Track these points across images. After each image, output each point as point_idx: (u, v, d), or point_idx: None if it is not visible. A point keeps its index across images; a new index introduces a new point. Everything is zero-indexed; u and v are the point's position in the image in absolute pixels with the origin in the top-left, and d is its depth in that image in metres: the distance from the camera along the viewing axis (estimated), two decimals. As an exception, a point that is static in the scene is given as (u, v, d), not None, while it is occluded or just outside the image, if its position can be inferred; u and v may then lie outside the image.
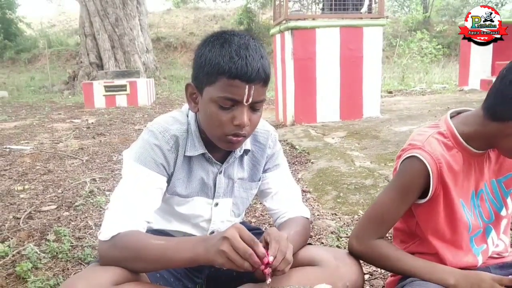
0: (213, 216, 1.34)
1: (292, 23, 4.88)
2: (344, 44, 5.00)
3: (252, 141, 1.35)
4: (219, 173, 1.30)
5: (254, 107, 1.13)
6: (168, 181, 1.26)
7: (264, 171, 1.40)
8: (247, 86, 1.07)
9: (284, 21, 5.06)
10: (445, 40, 15.69)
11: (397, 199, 1.19)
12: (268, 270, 1.01)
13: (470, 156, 1.17)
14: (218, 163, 1.29)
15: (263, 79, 1.10)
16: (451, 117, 1.20)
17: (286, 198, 1.41)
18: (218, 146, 1.20)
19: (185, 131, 1.25)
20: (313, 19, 5.11)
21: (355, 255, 1.26)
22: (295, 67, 4.96)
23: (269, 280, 1.03)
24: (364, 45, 5.04)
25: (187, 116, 1.28)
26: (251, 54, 1.07)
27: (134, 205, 1.15)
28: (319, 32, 4.93)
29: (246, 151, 1.33)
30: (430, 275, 1.14)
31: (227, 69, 1.06)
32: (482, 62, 7.56)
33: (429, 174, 1.13)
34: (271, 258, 1.01)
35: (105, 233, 1.10)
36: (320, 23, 4.97)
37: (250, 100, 1.09)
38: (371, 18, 5.13)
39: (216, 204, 1.34)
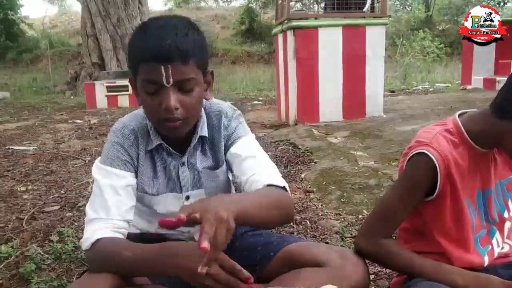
0: None
1: (295, 23, 4.87)
2: (346, 43, 4.98)
3: (208, 125, 1.29)
4: (181, 165, 1.27)
5: (183, 88, 1.09)
6: (136, 177, 1.25)
7: (227, 149, 1.30)
8: (162, 67, 1.04)
9: (286, 21, 5.05)
10: (447, 39, 15.66)
11: (404, 196, 1.18)
12: None
13: (475, 155, 1.17)
14: (178, 154, 1.26)
15: (179, 56, 1.05)
16: (459, 116, 1.19)
17: (256, 165, 1.23)
18: (163, 133, 1.19)
19: (145, 125, 1.24)
20: (316, 18, 5.10)
21: (362, 254, 1.24)
22: (297, 67, 4.95)
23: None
24: (367, 44, 5.02)
25: None
26: (164, 33, 1.05)
27: (107, 207, 1.14)
28: (321, 31, 4.92)
29: (202, 138, 1.28)
30: (438, 275, 1.13)
31: (141, 53, 1.06)
32: (485, 60, 7.53)
33: (436, 171, 1.12)
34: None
35: (84, 243, 1.10)
36: (323, 22, 4.96)
37: (171, 80, 1.05)
38: (373, 17, 5.11)
39: (187, 198, 1.30)
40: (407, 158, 1.19)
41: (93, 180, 1.22)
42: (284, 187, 1.19)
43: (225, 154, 1.30)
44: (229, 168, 1.32)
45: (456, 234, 1.18)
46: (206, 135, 1.28)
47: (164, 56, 1.04)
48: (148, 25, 1.09)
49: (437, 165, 1.12)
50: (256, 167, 1.22)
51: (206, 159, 1.31)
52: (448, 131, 1.17)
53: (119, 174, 1.19)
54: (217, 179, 1.34)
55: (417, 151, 1.15)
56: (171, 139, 1.24)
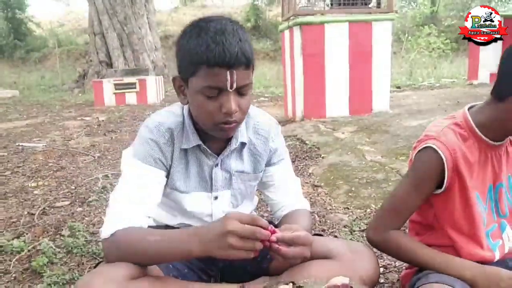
0: (213, 209, 1.34)
1: (301, 19, 4.86)
2: (353, 39, 4.97)
3: (253, 134, 1.34)
4: (215, 166, 1.29)
5: (241, 92, 1.11)
6: (167, 175, 1.26)
7: (269, 165, 1.39)
8: (228, 72, 1.05)
9: (292, 17, 5.05)
10: (453, 35, 15.55)
11: (412, 190, 1.19)
12: (273, 239, 1.02)
13: (486, 148, 1.16)
14: (214, 155, 1.28)
15: (244, 62, 1.07)
16: (468, 109, 1.19)
17: (289, 191, 1.42)
18: (213, 135, 1.20)
19: (181, 123, 1.25)
20: (322, 14, 5.08)
21: (372, 245, 1.26)
22: (304, 63, 4.94)
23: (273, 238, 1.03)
24: (373, 40, 5.01)
25: (183, 108, 1.27)
26: (228, 39, 1.05)
27: (132, 201, 1.15)
28: (327, 27, 4.91)
29: (242, 144, 1.32)
30: (447, 268, 1.14)
31: (205, 58, 1.05)
32: (491, 55, 7.47)
33: (443, 165, 1.12)
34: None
35: (105, 231, 1.11)
36: (329, 18, 4.95)
37: (234, 85, 1.07)
38: (380, 13, 5.09)
39: (216, 198, 1.33)
40: (415, 152, 1.19)
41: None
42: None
43: (265, 165, 1.39)
44: (263, 180, 1.42)
45: (467, 228, 1.18)
46: (246, 141, 1.31)
47: (232, 63, 1.05)
48: (204, 28, 1.08)
49: (444, 159, 1.12)
50: (289, 191, 1.42)
51: (240, 162, 1.34)
52: (456, 125, 1.17)
53: (150, 171, 1.20)
54: (247, 183, 1.38)
55: (425, 145, 1.15)
56: (208, 140, 1.25)
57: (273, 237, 1.02)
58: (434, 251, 1.19)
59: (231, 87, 1.07)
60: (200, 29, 1.09)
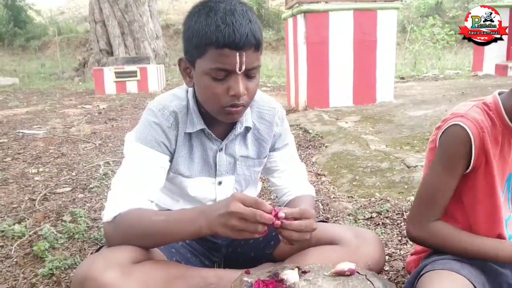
0: (217, 195, 1.32)
1: (305, 6, 4.81)
2: (357, 28, 4.92)
3: (257, 119, 1.31)
4: (219, 151, 1.27)
5: (249, 75, 1.09)
6: (171, 160, 1.24)
7: (273, 150, 1.37)
8: (237, 54, 1.03)
9: (296, 4, 4.99)
10: (457, 26, 15.45)
11: (444, 173, 1.13)
12: (277, 223, 0.99)
13: (510, 135, 1.12)
14: (218, 139, 1.26)
15: (254, 44, 1.05)
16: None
17: (294, 176, 1.40)
18: (219, 119, 1.17)
19: (185, 107, 1.22)
20: (326, 2, 5.03)
21: (416, 242, 1.21)
22: (307, 51, 4.90)
23: (278, 222, 0.99)
24: (378, 29, 4.96)
25: (187, 92, 1.25)
26: (238, 20, 1.03)
27: (135, 185, 1.13)
28: (332, 15, 4.86)
29: (247, 128, 1.29)
30: (498, 252, 1.10)
31: (214, 39, 1.02)
32: (496, 47, 7.42)
33: (471, 143, 1.07)
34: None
35: (107, 215, 1.09)
36: (334, 6, 4.89)
37: (243, 68, 1.05)
38: (385, 1, 5.03)
39: (220, 183, 1.31)
40: (441, 132, 1.14)
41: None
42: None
43: (270, 150, 1.37)
44: (268, 165, 1.41)
45: (488, 212, 1.14)
46: (251, 125, 1.28)
47: (241, 44, 1.02)
48: (213, 8, 1.05)
49: (471, 136, 1.07)
50: (294, 176, 1.40)
51: (245, 147, 1.31)
52: (486, 104, 1.13)
53: (153, 154, 1.18)
54: (251, 169, 1.35)
55: (451, 123, 1.10)
56: (213, 124, 1.23)
57: (281, 213, 0.99)
58: (480, 238, 1.14)
59: (240, 69, 1.05)
60: (209, 9, 1.05)
